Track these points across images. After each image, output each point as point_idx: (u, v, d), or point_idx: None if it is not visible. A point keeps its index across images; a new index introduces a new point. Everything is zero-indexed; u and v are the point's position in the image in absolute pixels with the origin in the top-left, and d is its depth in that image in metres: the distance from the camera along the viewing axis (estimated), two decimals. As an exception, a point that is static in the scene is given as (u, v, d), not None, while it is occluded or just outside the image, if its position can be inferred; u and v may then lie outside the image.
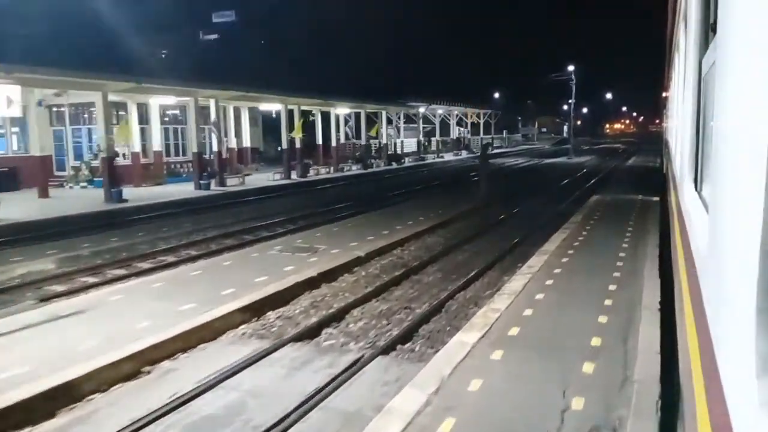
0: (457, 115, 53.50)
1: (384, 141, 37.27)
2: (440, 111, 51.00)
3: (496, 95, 70.52)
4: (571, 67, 42.66)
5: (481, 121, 58.74)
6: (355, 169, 32.75)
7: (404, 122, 46.62)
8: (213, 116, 22.53)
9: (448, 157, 47.84)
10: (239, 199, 20.21)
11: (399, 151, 44.54)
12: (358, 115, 38.73)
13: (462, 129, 64.15)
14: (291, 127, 26.29)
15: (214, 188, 21.86)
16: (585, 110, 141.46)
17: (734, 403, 1.34)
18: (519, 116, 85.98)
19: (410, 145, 49.44)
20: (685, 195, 4.33)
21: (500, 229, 13.73)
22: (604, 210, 14.39)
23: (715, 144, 2.06)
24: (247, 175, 28.52)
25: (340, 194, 21.98)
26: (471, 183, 25.91)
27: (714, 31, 2.61)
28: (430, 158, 44.54)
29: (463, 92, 65.48)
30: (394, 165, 37.13)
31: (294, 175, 27.24)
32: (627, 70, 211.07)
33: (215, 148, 23.78)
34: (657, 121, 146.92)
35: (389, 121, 40.92)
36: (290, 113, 27.16)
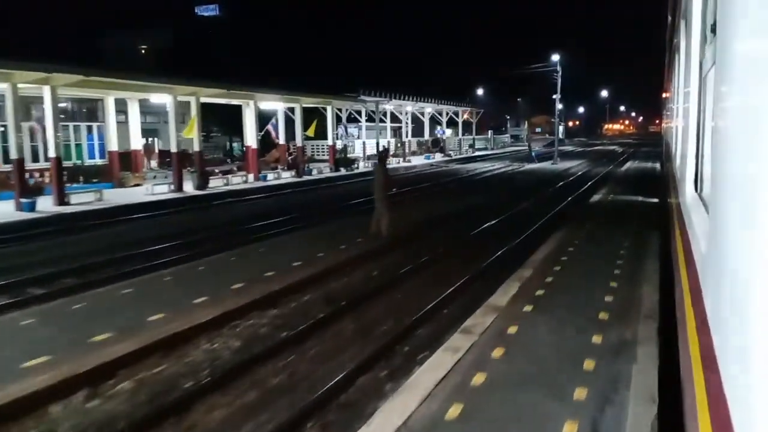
0: (429, 113, 47.27)
1: (330, 142, 31.08)
2: (409, 108, 44.84)
3: (480, 91, 64.24)
4: (555, 56, 36.40)
5: (460, 120, 52.50)
6: (286, 177, 26.62)
7: (366, 120, 40.47)
8: (48, 109, 16.35)
9: (417, 160, 41.71)
10: (56, 228, 14.05)
11: (361, 152, 38.38)
12: (316, 112, 32.67)
13: (440, 128, 58.00)
14: (246, 126, 20.44)
15: (45, 209, 15.72)
16: (581, 110, 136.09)
17: (736, 404, 1.33)
18: (508, 115, 79.73)
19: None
20: (685, 196, 4.28)
21: (371, 312, 7.60)
22: (563, 272, 8.25)
23: (715, 144, 2.12)
24: (137, 185, 22.50)
25: (216, 218, 15.88)
26: (415, 198, 19.84)
27: (714, 31, 2.62)
28: (394, 162, 38.38)
29: (442, 87, 59.39)
30: (343, 171, 31.04)
31: (189, 187, 21.14)
32: (627, 69, 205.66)
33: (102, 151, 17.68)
34: (657, 121, 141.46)
35: (338, 119, 34.77)
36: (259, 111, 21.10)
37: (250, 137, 25.14)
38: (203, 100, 22.00)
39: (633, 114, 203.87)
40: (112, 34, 74.42)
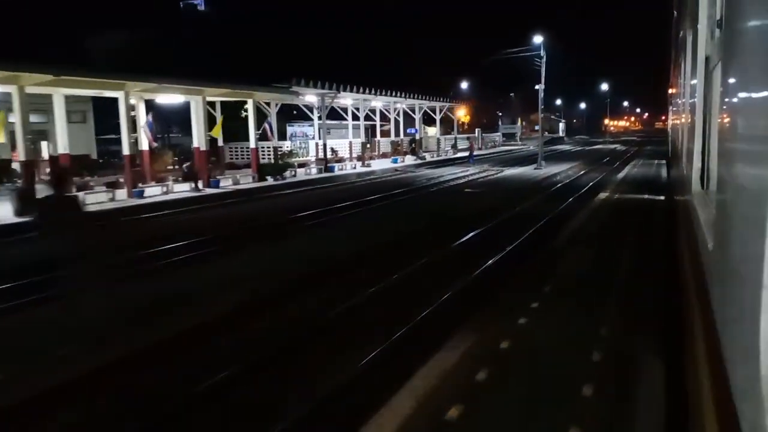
0: (396, 110, 41.09)
1: (252, 144, 24.97)
2: (377, 103, 38.74)
3: (465, 85, 57.91)
4: (538, 38, 30.09)
5: (438, 117, 46.28)
6: (180, 191, 20.55)
7: (328, 117, 34.38)
8: None
9: (382, 164, 35.61)
10: None
11: (321, 154, 32.31)
12: (233, 106, 26.73)
13: (417, 126, 51.91)
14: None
15: None
16: (583, 106, 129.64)
17: (742, 400, 1.32)
18: (500, 112, 73.30)
19: (341, 147, 37.42)
20: (692, 192, 4.27)
21: None
22: None
23: (722, 141, 2.14)
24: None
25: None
26: (305, 231, 13.86)
27: (720, 27, 2.61)
28: (349, 167, 32.33)
29: (423, 80, 53.19)
30: (270, 180, 25.00)
31: (9, 210, 15.19)
32: (632, 65, 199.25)
33: None
34: (663, 117, 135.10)
35: (259, 114, 28.52)
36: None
37: (125, 140, 19.15)
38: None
39: (638, 110, 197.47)
40: (93, 30, 69.32)
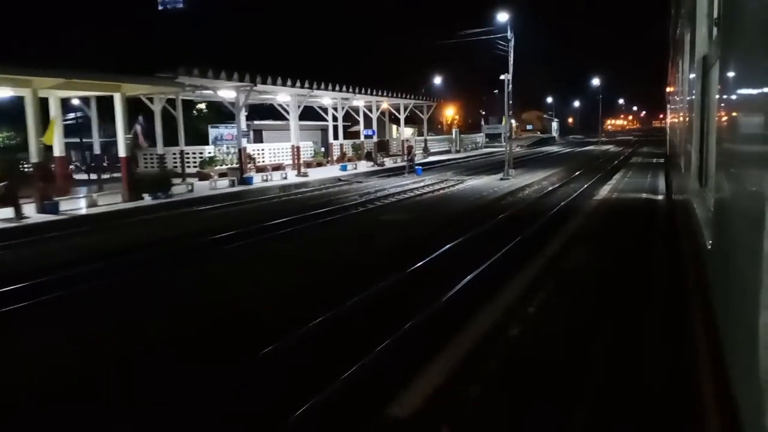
0: (346, 107, 35.04)
1: (122, 152, 19.01)
2: (325, 100, 32.86)
3: (437, 80, 51.92)
4: (503, 16, 24.10)
5: (402, 116, 40.32)
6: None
7: (248, 116, 28.49)
8: None
9: (324, 172, 29.74)
10: None
11: (252, 162, 26.33)
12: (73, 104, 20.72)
13: (396, 127, 46.10)
14: None
15: None
16: (577, 104, 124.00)
17: (742, 396, 1.30)
18: (483, 110, 67.31)
19: (279, 153, 31.61)
20: (690, 191, 4.29)
21: None
22: None
23: (720, 139, 2.11)
24: None
25: None
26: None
27: (718, 25, 2.62)
28: (277, 177, 26.39)
29: (387, 75, 47.31)
30: (148, 199, 19.11)
31: None
32: (630, 63, 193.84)
33: None
34: (661, 116, 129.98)
35: (135, 113, 22.49)
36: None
37: None
38: None
39: (635, 108, 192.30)
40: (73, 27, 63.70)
